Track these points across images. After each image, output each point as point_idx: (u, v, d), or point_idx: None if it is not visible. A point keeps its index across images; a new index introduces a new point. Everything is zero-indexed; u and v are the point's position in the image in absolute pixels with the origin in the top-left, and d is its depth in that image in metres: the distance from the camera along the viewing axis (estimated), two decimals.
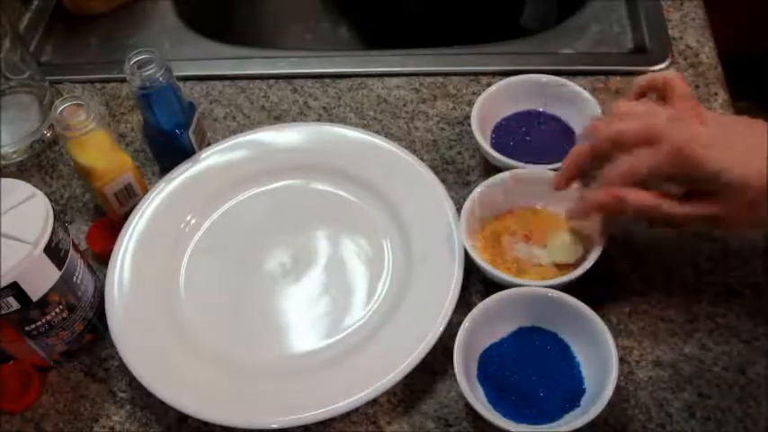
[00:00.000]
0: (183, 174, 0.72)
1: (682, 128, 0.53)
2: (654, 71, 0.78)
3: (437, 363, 0.61)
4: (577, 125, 0.71)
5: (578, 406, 0.56)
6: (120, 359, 0.61)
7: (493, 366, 0.58)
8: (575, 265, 0.61)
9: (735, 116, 0.56)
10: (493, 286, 0.64)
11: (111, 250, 0.67)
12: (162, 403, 0.59)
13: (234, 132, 0.78)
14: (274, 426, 0.57)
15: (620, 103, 0.58)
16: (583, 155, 0.58)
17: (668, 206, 0.55)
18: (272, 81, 0.83)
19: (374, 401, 0.59)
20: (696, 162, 0.52)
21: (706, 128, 0.53)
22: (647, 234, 0.66)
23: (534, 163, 0.67)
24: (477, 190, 0.65)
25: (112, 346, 0.62)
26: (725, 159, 0.52)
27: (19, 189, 0.58)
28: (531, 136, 0.72)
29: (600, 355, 0.56)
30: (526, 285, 0.59)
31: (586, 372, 0.57)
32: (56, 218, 0.57)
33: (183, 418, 0.60)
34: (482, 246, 0.64)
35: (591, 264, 0.59)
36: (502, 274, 0.60)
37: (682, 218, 0.55)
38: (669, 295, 0.63)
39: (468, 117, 0.74)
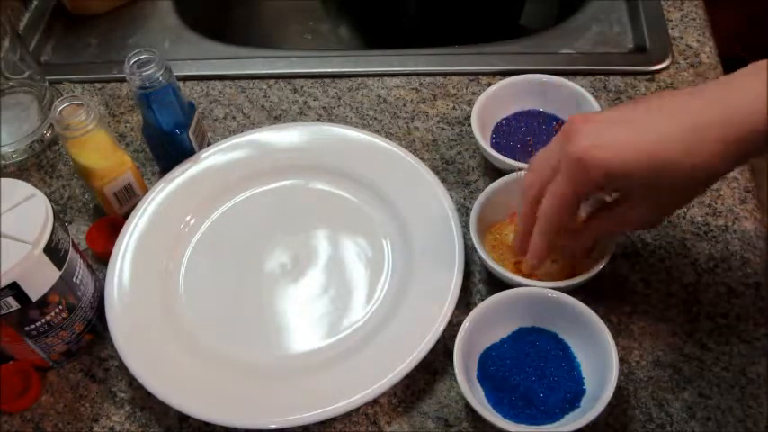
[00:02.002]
0: (183, 174, 0.72)
1: (568, 143, 0.52)
2: (654, 71, 0.78)
3: (437, 363, 0.61)
4: None
5: (578, 406, 0.56)
6: (120, 359, 0.61)
7: (493, 366, 0.58)
8: (578, 271, 0.60)
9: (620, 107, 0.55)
10: (493, 286, 0.64)
11: (111, 250, 0.67)
12: (162, 403, 0.58)
13: (234, 132, 0.78)
14: (274, 426, 0.57)
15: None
16: (526, 217, 0.58)
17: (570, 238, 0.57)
18: (271, 81, 0.83)
19: (374, 401, 0.59)
20: (594, 167, 0.51)
21: (584, 135, 0.52)
22: (647, 234, 0.66)
23: None
24: (488, 189, 0.64)
25: (112, 346, 0.62)
26: (604, 156, 0.51)
27: (19, 189, 0.58)
28: (531, 136, 0.72)
29: (600, 355, 0.55)
30: (533, 286, 0.59)
31: (586, 372, 0.57)
32: (56, 218, 0.57)
33: (183, 418, 0.60)
34: (490, 247, 0.64)
35: (597, 271, 0.59)
36: (510, 275, 0.60)
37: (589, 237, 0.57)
38: (669, 295, 0.63)
39: (468, 117, 0.74)
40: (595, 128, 0.52)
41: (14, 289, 0.54)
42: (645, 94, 0.77)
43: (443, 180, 0.70)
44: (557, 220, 0.55)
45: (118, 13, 0.93)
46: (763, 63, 0.50)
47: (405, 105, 0.79)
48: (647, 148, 0.50)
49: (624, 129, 0.51)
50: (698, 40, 0.81)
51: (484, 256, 0.61)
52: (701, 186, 0.53)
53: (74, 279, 0.59)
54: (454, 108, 0.78)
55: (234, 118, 0.80)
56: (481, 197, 0.64)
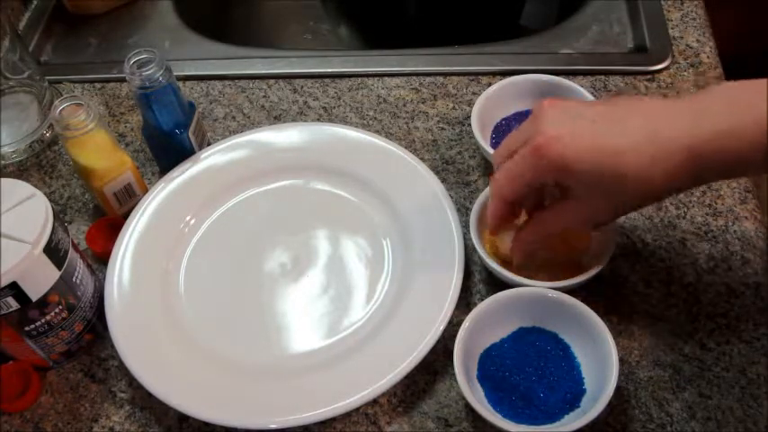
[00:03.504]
0: (183, 174, 0.72)
1: (533, 127, 0.52)
2: (654, 71, 0.78)
3: (437, 363, 0.61)
4: None
5: (578, 406, 0.56)
6: (120, 359, 0.61)
7: (493, 366, 0.58)
8: (580, 270, 0.60)
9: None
10: (493, 286, 0.64)
11: (111, 250, 0.67)
12: (162, 403, 0.58)
13: (234, 132, 0.78)
14: (274, 426, 0.57)
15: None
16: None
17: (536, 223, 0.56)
18: (271, 81, 0.83)
19: (374, 401, 0.59)
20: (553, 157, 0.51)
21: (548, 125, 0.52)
22: (647, 234, 0.66)
23: None
24: (488, 189, 0.64)
25: (112, 346, 0.62)
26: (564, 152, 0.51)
27: (18, 189, 0.58)
28: None
29: (600, 355, 0.55)
30: (533, 286, 0.59)
31: (587, 372, 0.57)
32: (55, 218, 0.57)
33: (183, 418, 0.60)
34: (490, 247, 0.64)
35: (597, 271, 0.59)
36: (510, 275, 0.60)
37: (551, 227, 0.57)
38: (669, 295, 0.63)
39: (468, 117, 0.74)
40: (563, 118, 0.52)
41: (14, 289, 0.54)
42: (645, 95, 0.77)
43: (443, 180, 0.70)
44: (506, 190, 0.55)
45: (118, 13, 0.93)
46: (732, 85, 0.50)
47: (405, 105, 0.79)
48: (609, 152, 0.49)
49: (592, 125, 0.51)
50: (698, 40, 0.81)
51: (484, 256, 0.61)
52: (654, 196, 0.53)
53: (74, 279, 0.59)
54: (454, 108, 0.78)
55: (234, 118, 0.80)
56: (481, 197, 0.64)
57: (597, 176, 0.50)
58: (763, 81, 0.48)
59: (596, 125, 0.51)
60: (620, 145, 0.50)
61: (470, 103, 0.77)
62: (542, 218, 0.57)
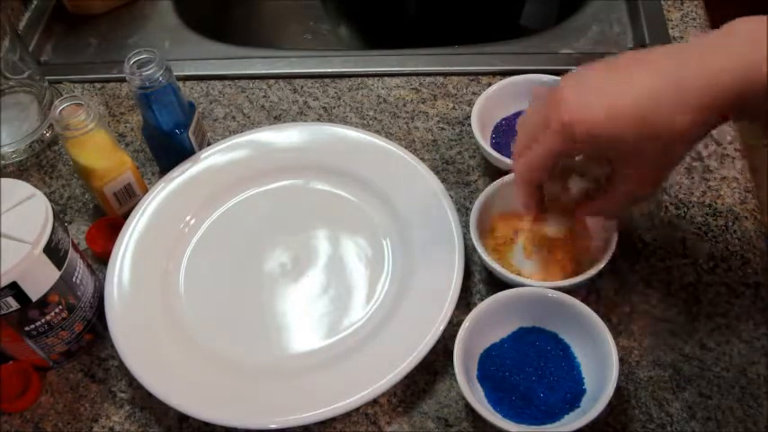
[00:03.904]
0: (183, 174, 0.72)
1: (556, 106, 0.52)
2: None
3: (437, 363, 0.61)
4: None
5: (578, 406, 0.56)
6: (120, 359, 0.61)
7: (493, 366, 0.58)
8: (580, 269, 0.60)
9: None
10: (493, 286, 0.64)
11: (111, 250, 0.67)
12: (162, 403, 0.58)
13: (234, 132, 0.78)
14: (274, 426, 0.57)
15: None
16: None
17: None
18: (271, 81, 0.83)
19: (374, 401, 0.59)
20: (583, 132, 0.51)
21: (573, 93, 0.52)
22: (647, 234, 0.66)
23: None
24: (488, 189, 0.64)
25: (112, 346, 0.62)
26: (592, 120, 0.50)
27: (18, 189, 0.58)
28: None
29: (600, 355, 0.55)
30: (533, 286, 0.59)
31: (587, 372, 0.57)
32: (55, 218, 0.57)
33: (183, 418, 0.60)
34: (491, 247, 0.64)
35: (597, 271, 0.59)
36: (510, 275, 0.60)
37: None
38: (669, 295, 0.63)
39: (468, 117, 0.74)
40: (581, 90, 0.52)
41: (14, 289, 0.54)
42: None
43: (443, 180, 0.70)
44: (535, 174, 0.55)
45: (118, 13, 0.93)
46: (745, 22, 0.49)
47: (405, 105, 0.79)
48: (634, 108, 0.49)
49: (610, 87, 0.51)
50: None
51: (484, 256, 0.61)
52: (686, 145, 0.53)
53: (74, 279, 0.59)
54: (454, 108, 0.78)
55: (234, 118, 0.80)
56: (481, 197, 0.64)
57: (631, 137, 0.50)
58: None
59: (613, 85, 0.51)
60: (645, 99, 0.49)
61: (470, 103, 0.77)
62: (592, 204, 0.58)
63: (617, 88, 0.51)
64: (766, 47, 0.47)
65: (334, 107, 0.80)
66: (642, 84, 0.50)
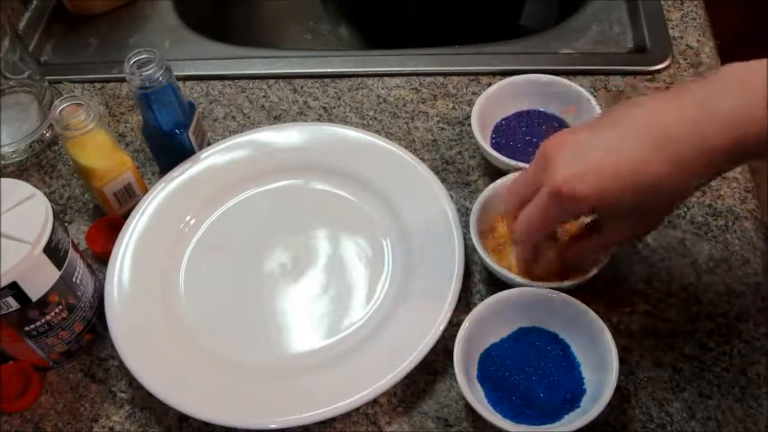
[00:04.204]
0: (183, 174, 0.72)
1: (546, 172, 0.52)
2: (654, 71, 0.78)
3: (437, 363, 0.61)
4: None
5: (578, 406, 0.55)
6: (120, 359, 0.61)
7: (493, 366, 0.58)
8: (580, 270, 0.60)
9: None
10: (493, 286, 0.64)
11: (111, 250, 0.67)
12: (162, 403, 0.58)
13: (234, 132, 0.78)
14: (274, 426, 0.57)
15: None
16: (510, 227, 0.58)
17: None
18: (271, 81, 0.83)
19: (374, 401, 0.59)
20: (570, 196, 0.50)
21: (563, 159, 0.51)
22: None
23: None
24: (488, 189, 0.64)
25: (112, 346, 0.62)
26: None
27: (18, 189, 0.58)
28: (531, 136, 0.72)
29: (600, 355, 0.55)
30: (533, 286, 0.59)
31: (587, 372, 0.57)
32: (55, 218, 0.57)
33: (183, 418, 0.60)
34: (491, 247, 0.64)
35: (597, 271, 0.59)
36: (510, 275, 0.60)
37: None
38: (669, 295, 0.63)
39: (468, 117, 0.74)
40: (572, 153, 0.50)
41: (14, 289, 0.54)
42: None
43: (443, 180, 0.70)
44: (534, 237, 0.56)
45: (118, 13, 0.93)
46: (735, 66, 0.48)
47: (405, 105, 0.79)
48: (630, 174, 0.49)
49: (602, 150, 0.50)
50: (698, 41, 0.81)
51: (484, 256, 0.61)
52: (683, 198, 0.53)
53: (74, 279, 0.59)
54: (454, 108, 0.78)
55: (234, 118, 0.80)
56: (481, 197, 0.64)
57: (627, 202, 0.50)
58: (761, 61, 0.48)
59: (605, 147, 0.50)
60: (639, 163, 0.48)
61: (470, 103, 0.77)
62: (583, 244, 0.59)
63: (611, 148, 0.49)
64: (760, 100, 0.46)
65: (334, 107, 0.80)
66: (636, 143, 0.49)
